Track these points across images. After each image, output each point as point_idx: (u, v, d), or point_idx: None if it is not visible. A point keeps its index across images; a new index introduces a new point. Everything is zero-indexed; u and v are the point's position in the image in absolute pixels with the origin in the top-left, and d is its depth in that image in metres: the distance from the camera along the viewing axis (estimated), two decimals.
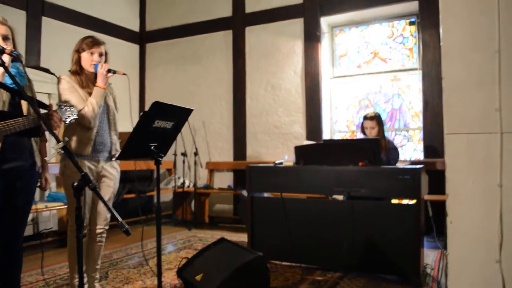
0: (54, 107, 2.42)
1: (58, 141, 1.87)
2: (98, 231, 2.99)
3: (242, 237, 4.84)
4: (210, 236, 5.27)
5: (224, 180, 6.48)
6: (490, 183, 1.83)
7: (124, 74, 2.90)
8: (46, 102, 2.89)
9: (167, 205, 6.71)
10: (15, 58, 2.26)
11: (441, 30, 1.94)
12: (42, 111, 2.32)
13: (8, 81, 2.39)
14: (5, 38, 2.42)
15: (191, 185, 6.34)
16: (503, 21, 1.80)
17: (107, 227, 3.06)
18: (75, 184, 1.85)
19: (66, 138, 2.59)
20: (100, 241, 3.04)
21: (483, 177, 1.84)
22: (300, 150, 3.85)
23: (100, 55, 2.93)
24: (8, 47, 2.30)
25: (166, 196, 6.72)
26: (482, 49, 1.83)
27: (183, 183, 6.23)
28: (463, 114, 1.86)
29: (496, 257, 1.85)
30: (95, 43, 2.92)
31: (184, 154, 6.04)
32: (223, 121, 6.56)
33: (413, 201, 3.36)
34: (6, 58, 2.21)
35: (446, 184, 1.88)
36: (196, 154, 6.05)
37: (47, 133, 2.53)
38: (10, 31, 2.49)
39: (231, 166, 6.42)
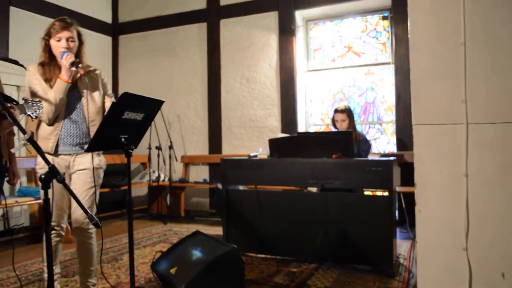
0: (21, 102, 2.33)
1: (24, 133, 1.81)
2: (79, 229, 2.70)
3: (218, 231, 4.85)
4: (186, 229, 5.25)
5: (199, 173, 6.46)
6: (456, 173, 1.88)
7: (84, 74, 2.59)
8: (15, 94, 2.82)
9: (142, 199, 6.66)
10: None
11: (409, 23, 1.97)
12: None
13: None
14: None
15: (166, 179, 6.30)
16: (468, 14, 1.84)
17: (86, 226, 2.70)
18: (42, 176, 1.80)
19: (32, 130, 2.52)
20: (84, 241, 2.72)
21: (450, 167, 1.89)
22: (274, 143, 3.87)
23: (71, 40, 2.61)
24: None
25: (141, 190, 6.66)
26: (448, 41, 1.87)
27: (158, 177, 6.18)
28: (430, 106, 1.90)
29: (462, 244, 1.90)
30: (63, 26, 2.59)
31: (158, 148, 5.99)
32: (198, 114, 6.52)
33: (386, 193, 3.42)
34: None
35: (415, 174, 1.92)
36: (171, 147, 6.01)
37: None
38: None
39: (206, 160, 6.40)
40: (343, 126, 4.24)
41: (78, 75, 2.64)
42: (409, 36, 1.94)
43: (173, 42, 6.73)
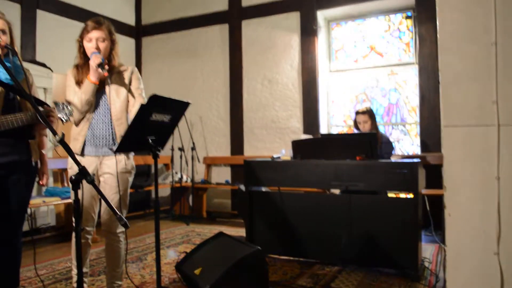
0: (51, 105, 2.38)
1: (54, 134, 1.83)
2: (110, 230, 2.75)
3: (240, 232, 4.85)
4: (208, 230, 5.27)
5: (221, 174, 6.49)
6: (487, 176, 1.84)
7: (108, 75, 2.57)
8: (42, 96, 2.86)
9: (164, 200, 6.71)
10: (12, 52, 2.23)
11: (437, 22, 1.94)
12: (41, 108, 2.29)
13: (2, 76, 2.37)
14: (2, 32, 2.40)
15: (189, 180, 6.34)
16: (499, 13, 1.80)
17: (116, 229, 2.75)
18: (73, 177, 1.82)
19: (63, 132, 2.56)
20: (113, 243, 2.75)
21: (481, 169, 1.85)
22: (297, 145, 3.85)
23: (103, 40, 2.58)
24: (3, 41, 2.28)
25: (164, 191, 6.72)
26: (479, 41, 1.82)
27: (181, 178, 6.22)
28: (460, 107, 1.86)
29: (494, 249, 1.86)
30: (93, 27, 2.57)
31: (181, 149, 6.04)
32: (220, 116, 6.55)
33: (410, 195, 3.37)
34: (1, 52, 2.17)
35: (444, 177, 1.89)
36: (193, 149, 6.05)
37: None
38: (7, 25, 2.46)
39: (228, 161, 6.42)
40: (365, 127, 4.20)
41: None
42: (438, 35, 1.91)
43: (195, 43, 6.77)
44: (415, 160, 3.41)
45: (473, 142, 1.85)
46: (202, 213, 6.28)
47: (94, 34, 2.56)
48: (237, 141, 6.38)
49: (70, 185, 2.58)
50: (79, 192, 1.78)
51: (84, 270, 2.79)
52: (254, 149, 6.24)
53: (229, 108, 6.45)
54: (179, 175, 6.27)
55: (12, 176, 2.44)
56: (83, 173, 1.81)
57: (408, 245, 3.29)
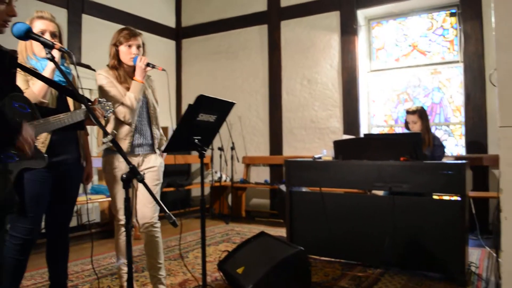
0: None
1: (106, 134, 1.88)
2: (145, 226, 2.89)
3: (279, 232, 4.85)
4: (248, 230, 5.30)
5: (260, 174, 6.51)
6: None
7: (163, 70, 2.81)
8: (88, 97, 2.96)
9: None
10: (68, 55, 2.31)
11: (493, 19, 1.87)
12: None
13: (56, 77, 2.46)
14: (53, 35, 2.49)
15: (228, 179, 6.39)
16: None
17: (155, 220, 2.91)
18: (124, 176, 1.87)
19: (114, 131, 2.66)
20: (153, 235, 2.88)
21: None
22: (339, 145, 3.82)
23: (138, 47, 2.83)
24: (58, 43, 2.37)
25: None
26: None
27: (220, 178, 6.28)
28: None
29: None
30: (132, 35, 2.82)
31: (221, 149, 6.10)
32: (259, 116, 6.57)
33: (456, 197, 3.28)
34: (55, 54, 2.24)
35: (500, 179, 1.82)
36: (232, 148, 6.10)
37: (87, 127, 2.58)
38: (58, 29, 2.56)
39: (267, 161, 6.43)
40: (414, 128, 4.09)
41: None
42: (493, 33, 1.84)
43: (234, 44, 6.82)
44: (462, 161, 3.31)
45: None
46: (241, 213, 6.31)
47: (134, 42, 2.81)
48: (276, 141, 6.38)
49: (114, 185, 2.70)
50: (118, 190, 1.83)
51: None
52: (293, 149, 6.23)
53: (268, 108, 6.46)
54: (218, 175, 6.33)
55: (65, 173, 2.53)
56: (134, 172, 1.86)
57: (455, 248, 3.20)
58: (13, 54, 1.95)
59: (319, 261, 3.83)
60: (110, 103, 2.46)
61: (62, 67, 2.47)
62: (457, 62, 5.47)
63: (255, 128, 6.60)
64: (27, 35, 1.93)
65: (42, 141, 2.36)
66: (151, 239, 2.87)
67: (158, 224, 2.92)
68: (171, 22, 7.29)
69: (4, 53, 1.86)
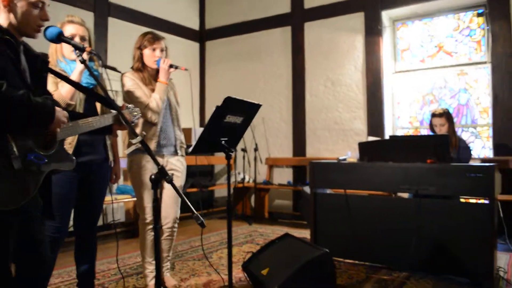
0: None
1: (136, 135, 1.92)
2: (168, 225, 3.05)
3: (302, 233, 4.85)
4: (271, 231, 5.31)
5: (283, 176, 6.50)
6: None
7: (186, 69, 2.92)
8: (113, 99, 3.03)
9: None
10: (98, 58, 2.37)
11: None
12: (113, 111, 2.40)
13: (84, 80, 2.53)
14: (82, 39, 2.56)
15: (251, 180, 6.41)
16: None
17: (177, 221, 3.10)
18: (153, 177, 1.90)
19: (143, 133, 2.72)
20: (171, 235, 3.09)
21: None
22: (364, 147, 3.80)
23: (162, 50, 2.95)
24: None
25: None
26: None
27: (243, 179, 6.31)
28: None
29: None
30: (156, 38, 2.95)
31: (244, 150, 6.12)
32: (282, 117, 6.57)
33: (483, 201, 3.22)
34: (85, 56, 2.30)
35: None
36: (256, 150, 6.12)
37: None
38: (88, 33, 2.63)
39: (290, 162, 6.43)
40: (442, 130, 4.01)
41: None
42: None
43: (258, 46, 6.84)
44: (491, 163, 3.25)
45: None
46: (264, 214, 6.33)
47: (158, 45, 2.94)
48: (299, 142, 6.37)
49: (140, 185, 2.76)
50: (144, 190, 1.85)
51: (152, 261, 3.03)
52: (316, 151, 6.21)
53: (291, 109, 6.46)
54: (241, 176, 6.36)
55: (92, 174, 2.60)
56: (162, 172, 1.89)
57: (482, 253, 3.14)
58: (44, 57, 2.02)
59: (343, 263, 3.81)
60: (137, 108, 2.52)
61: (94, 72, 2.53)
62: (485, 63, 5.37)
63: (278, 129, 6.60)
64: (59, 38, 1.99)
65: (70, 141, 2.41)
66: (168, 237, 3.08)
67: (176, 225, 3.12)
68: (195, 25, 7.36)
69: (36, 57, 1.93)
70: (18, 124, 1.61)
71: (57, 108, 1.77)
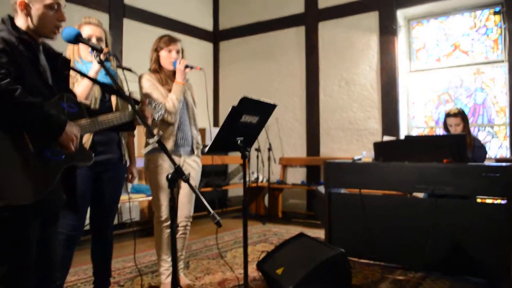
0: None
1: (152, 135, 1.94)
2: (182, 224, 3.08)
3: (316, 233, 4.83)
4: (285, 231, 5.31)
5: (297, 175, 6.50)
6: None
7: (200, 69, 2.97)
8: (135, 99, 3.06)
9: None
10: (116, 59, 2.40)
11: None
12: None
13: (101, 79, 2.56)
14: (99, 40, 2.59)
15: (265, 180, 6.42)
16: None
17: (190, 220, 3.15)
18: (169, 176, 1.91)
19: (160, 132, 2.75)
20: (184, 233, 3.13)
21: None
22: (379, 146, 3.78)
23: (177, 52, 3.01)
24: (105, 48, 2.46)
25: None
26: None
27: (257, 178, 6.32)
28: None
29: None
30: (172, 40, 3.02)
31: (257, 150, 6.13)
32: (296, 117, 6.57)
33: (500, 201, 3.19)
34: (103, 57, 2.33)
35: None
36: (269, 149, 6.12)
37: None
38: (104, 34, 2.66)
39: (304, 162, 6.43)
40: (457, 130, 3.95)
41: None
42: None
43: (272, 46, 6.85)
44: (508, 163, 3.21)
45: None
46: (277, 213, 6.34)
47: (174, 47, 3.00)
48: (313, 142, 6.36)
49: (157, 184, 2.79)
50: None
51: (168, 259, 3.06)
52: (330, 151, 6.19)
53: (305, 109, 6.45)
54: (255, 175, 6.37)
55: (107, 173, 2.62)
56: (179, 172, 1.90)
57: (500, 254, 3.11)
58: (65, 56, 2.05)
59: (358, 263, 3.79)
60: (161, 104, 2.57)
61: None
62: (502, 61, 5.31)
63: (292, 129, 6.60)
64: (77, 39, 2.01)
65: (85, 141, 2.43)
66: (182, 236, 3.11)
67: (190, 223, 3.16)
68: (209, 25, 7.39)
69: (57, 56, 1.96)
70: (26, 128, 1.63)
71: (71, 123, 1.75)
